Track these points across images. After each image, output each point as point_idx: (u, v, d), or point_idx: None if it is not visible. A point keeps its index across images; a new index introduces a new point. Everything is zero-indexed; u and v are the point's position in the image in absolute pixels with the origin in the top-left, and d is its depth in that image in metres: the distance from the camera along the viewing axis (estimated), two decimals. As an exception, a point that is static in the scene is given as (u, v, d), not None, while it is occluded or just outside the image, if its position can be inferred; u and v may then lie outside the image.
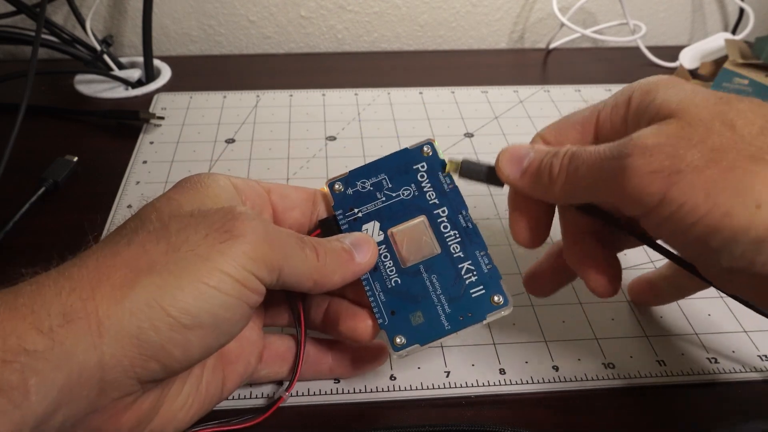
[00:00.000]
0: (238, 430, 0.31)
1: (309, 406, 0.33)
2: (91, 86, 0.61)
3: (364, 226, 0.32)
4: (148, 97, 0.60)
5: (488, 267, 0.31)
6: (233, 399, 0.33)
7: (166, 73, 0.64)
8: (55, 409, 0.22)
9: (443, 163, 0.33)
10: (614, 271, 0.31)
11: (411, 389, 0.34)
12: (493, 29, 0.73)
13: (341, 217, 0.32)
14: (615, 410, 0.34)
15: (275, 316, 0.33)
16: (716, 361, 0.36)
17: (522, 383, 0.34)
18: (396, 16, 0.71)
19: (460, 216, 0.32)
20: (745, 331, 0.38)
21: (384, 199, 0.33)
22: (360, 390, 0.34)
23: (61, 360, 0.22)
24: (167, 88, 0.62)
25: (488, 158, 0.51)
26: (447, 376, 0.35)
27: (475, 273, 0.31)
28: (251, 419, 0.31)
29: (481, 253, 0.31)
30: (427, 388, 0.34)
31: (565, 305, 0.39)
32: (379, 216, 0.32)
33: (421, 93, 0.61)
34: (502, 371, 0.35)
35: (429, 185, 0.33)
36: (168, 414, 0.27)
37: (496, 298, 0.31)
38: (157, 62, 0.64)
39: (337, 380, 0.34)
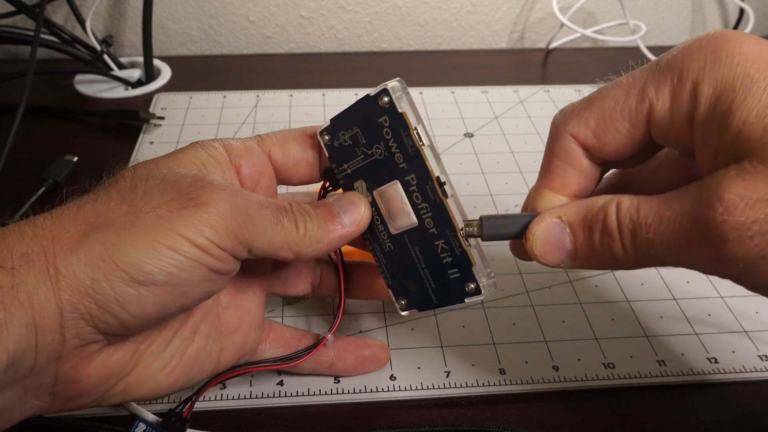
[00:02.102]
0: (282, 369, 0.34)
1: (309, 406, 0.33)
2: (91, 86, 0.61)
3: (355, 184, 0.30)
4: (148, 97, 0.60)
5: (459, 250, 0.28)
6: (235, 399, 0.33)
7: (166, 73, 0.64)
8: (25, 348, 0.22)
9: (402, 118, 0.28)
10: None
11: (411, 389, 0.34)
12: (493, 29, 0.73)
13: (336, 171, 0.30)
14: (615, 410, 0.34)
15: (288, 284, 0.33)
16: (716, 361, 0.36)
17: (522, 383, 0.34)
18: (396, 16, 0.71)
19: (427, 187, 0.28)
20: (745, 331, 0.38)
21: (362, 156, 0.29)
22: (360, 390, 0.34)
23: (24, 298, 0.22)
24: (167, 88, 0.62)
25: (488, 158, 0.52)
26: (447, 376, 0.35)
27: (449, 254, 0.29)
28: (297, 358, 0.32)
29: (451, 234, 0.28)
30: (427, 388, 0.34)
31: (565, 305, 0.39)
32: (362, 174, 0.30)
33: (421, 93, 0.61)
34: (502, 371, 0.35)
35: (395, 145, 0.28)
36: (146, 371, 0.27)
37: (469, 286, 0.28)
38: (157, 62, 0.64)
39: (337, 380, 0.34)
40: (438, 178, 0.28)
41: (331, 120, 0.30)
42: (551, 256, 0.26)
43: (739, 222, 0.21)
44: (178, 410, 0.31)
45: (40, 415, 0.25)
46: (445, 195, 0.28)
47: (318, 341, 0.33)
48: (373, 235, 0.31)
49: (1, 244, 0.23)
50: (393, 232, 0.30)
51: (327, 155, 0.30)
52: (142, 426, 0.30)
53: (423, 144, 0.27)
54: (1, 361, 0.21)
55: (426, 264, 0.30)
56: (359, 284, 0.34)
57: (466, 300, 0.29)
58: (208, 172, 0.27)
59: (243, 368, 0.31)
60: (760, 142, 0.21)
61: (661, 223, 0.23)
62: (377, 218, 0.30)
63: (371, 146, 0.29)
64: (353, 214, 0.29)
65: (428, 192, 0.28)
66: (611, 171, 0.30)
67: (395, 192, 0.29)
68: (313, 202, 0.30)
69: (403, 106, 0.27)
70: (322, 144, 0.30)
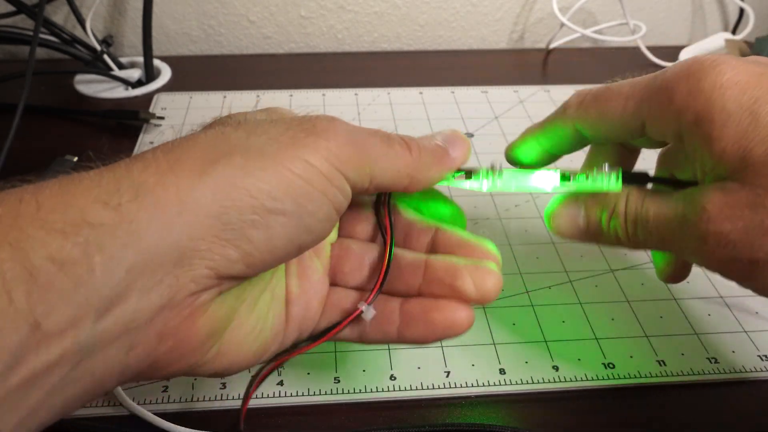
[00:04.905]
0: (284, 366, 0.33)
1: (309, 406, 0.33)
2: (91, 86, 0.61)
3: None
4: (148, 97, 0.60)
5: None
6: (235, 399, 0.33)
7: (166, 73, 0.64)
8: (124, 292, 0.20)
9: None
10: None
11: (411, 389, 0.34)
12: (493, 29, 0.73)
13: None
14: (615, 410, 0.34)
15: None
16: (716, 361, 0.36)
17: (522, 383, 0.34)
18: (396, 16, 0.71)
19: None
20: (745, 331, 0.38)
21: None
22: (360, 390, 0.34)
23: (130, 237, 0.20)
24: (167, 88, 0.62)
25: (488, 158, 0.52)
26: (447, 376, 0.35)
27: None
28: (324, 334, 0.28)
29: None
30: (427, 388, 0.34)
31: (565, 305, 0.39)
32: None
33: (421, 93, 0.61)
34: (502, 371, 0.35)
35: None
36: (237, 333, 0.25)
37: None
38: (157, 62, 0.64)
39: (337, 380, 0.34)
40: None
41: None
42: (565, 228, 0.30)
43: (717, 230, 0.24)
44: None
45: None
46: None
47: (349, 313, 0.28)
48: None
49: (104, 178, 0.21)
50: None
51: None
52: None
53: None
54: (91, 307, 0.19)
55: None
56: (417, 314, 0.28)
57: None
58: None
59: (287, 354, 0.28)
60: (737, 168, 0.24)
61: (659, 219, 0.27)
62: None
63: None
64: (459, 145, 0.28)
65: None
66: None
67: None
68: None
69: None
70: None
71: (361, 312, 0.27)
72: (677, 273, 0.33)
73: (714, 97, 0.25)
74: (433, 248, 0.29)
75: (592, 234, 0.29)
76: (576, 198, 0.30)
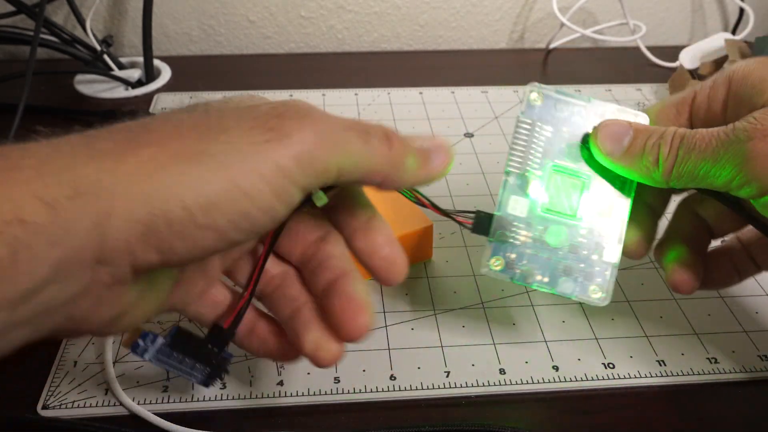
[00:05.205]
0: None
1: (309, 406, 0.33)
2: (91, 86, 0.61)
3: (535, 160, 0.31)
4: (148, 97, 0.60)
5: (613, 260, 0.30)
6: (235, 399, 0.33)
7: (166, 73, 0.64)
8: (43, 285, 0.20)
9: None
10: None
11: (411, 389, 0.34)
12: (493, 29, 0.73)
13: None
14: (615, 410, 0.34)
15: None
16: (716, 361, 0.36)
17: (522, 383, 0.34)
18: (396, 16, 0.71)
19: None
20: (745, 331, 0.38)
21: (567, 136, 0.31)
22: (360, 390, 0.34)
23: (59, 236, 0.19)
24: (167, 88, 0.62)
25: (488, 158, 0.52)
26: (447, 376, 0.35)
27: (594, 261, 0.30)
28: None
29: (614, 244, 0.31)
30: (427, 388, 0.34)
31: (565, 305, 0.39)
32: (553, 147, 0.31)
33: (421, 93, 0.61)
34: (502, 371, 0.35)
35: None
36: (132, 314, 0.25)
37: (592, 288, 0.31)
38: (157, 62, 0.64)
39: (337, 380, 0.34)
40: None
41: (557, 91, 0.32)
42: (608, 144, 0.30)
43: (764, 128, 0.26)
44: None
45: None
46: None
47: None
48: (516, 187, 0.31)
49: (45, 167, 0.20)
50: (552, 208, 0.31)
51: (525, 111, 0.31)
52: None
53: None
54: (6, 300, 0.19)
55: (564, 254, 0.31)
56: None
57: (578, 296, 0.31)
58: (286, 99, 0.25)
59: None
60: None
61: (705, 135, 0.28)
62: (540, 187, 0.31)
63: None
64: (441, 156, 0.27)
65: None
66: None
67: (575, 183, 0.31)
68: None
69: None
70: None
71: (311, 195, 0.26)
72: (687, 278, 0.32)
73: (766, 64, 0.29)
74: (327, 288, 0.28)
75: (632, 154, 0.30)
76: (628, 122, 0.31)
